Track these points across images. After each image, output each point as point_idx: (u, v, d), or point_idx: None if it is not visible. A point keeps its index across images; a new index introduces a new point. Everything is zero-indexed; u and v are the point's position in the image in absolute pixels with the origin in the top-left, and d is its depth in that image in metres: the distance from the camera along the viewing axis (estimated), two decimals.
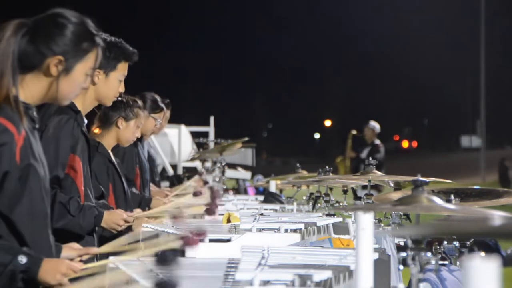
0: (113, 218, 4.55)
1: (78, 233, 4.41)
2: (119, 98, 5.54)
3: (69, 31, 3.04)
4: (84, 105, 4.54)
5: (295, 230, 4.53)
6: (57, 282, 2.97)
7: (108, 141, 5.52)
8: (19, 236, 2.96)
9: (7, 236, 2.95)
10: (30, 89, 3.02)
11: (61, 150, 4.30)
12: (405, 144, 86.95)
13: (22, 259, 2.90)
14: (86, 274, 3.09)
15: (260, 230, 4.47)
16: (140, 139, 6.75)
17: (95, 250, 3.27)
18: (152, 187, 7.07)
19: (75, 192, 4.40)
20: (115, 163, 5.46)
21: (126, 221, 4.62)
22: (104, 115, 5.52)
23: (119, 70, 4.62)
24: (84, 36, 3.07)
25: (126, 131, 5.53)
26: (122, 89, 4.67)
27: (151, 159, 8.08)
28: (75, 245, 3.38)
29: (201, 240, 3.04)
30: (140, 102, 5.69)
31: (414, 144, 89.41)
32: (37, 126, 3.07)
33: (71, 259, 3.23)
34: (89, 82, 3.16)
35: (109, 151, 5.50)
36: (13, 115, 2.93)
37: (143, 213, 4.96)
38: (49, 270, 2.95)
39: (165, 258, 2.45)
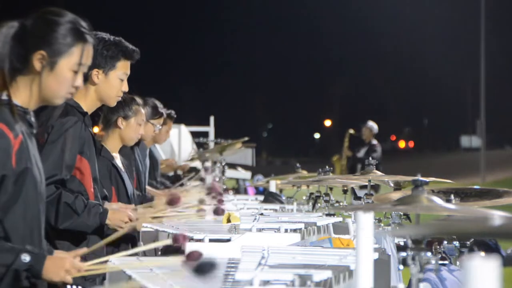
0: (117, 216, 4.50)
1: (84, 232, 4.40)
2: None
3: (53, 26, 3.00)
4: (86, 105, 4.50)
5: (295, 230, 4.53)
6: (60, 280, 2.94)
7: (113, 143, 5.47)
8: (9, 241, 2.93)
9: (3, 238, 2.93)
10: (23, 92, 2.98)
11: (67, 152, 4.27)
12: (401, 144, 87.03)
13: (26, 258, 2.87)
14: (89, 274, 3.06)
15: (260, 230, 4.47)
16: (137, 144, 6.73)
17: (83, 250, 3.24)
18: (150, 190, 7.04)
19: (84, 194, 4.39)
20: (118, 167, 5.42)
21: (130, 219, 4.57)
22: (104, 117, 5.48)
23: (119, 69, 4.56)
24: (68, 30, 3.02)
25: (127, 130, 5.48)
26: (125, 88, 4.60)
27: (154, 159, 8.09)
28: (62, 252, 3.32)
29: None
30: (138, 100, 5.64)
31: (411, 144, 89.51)
32: (34, 131, 3.04)
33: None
34: (81, 81, 3.09)
35: (113, 154, 5.46)
36: (9, 119, 2.91)
37: (146, 211, 4.86)
38: (52, 267, 2.92)
39: (203, 268, 2.44)
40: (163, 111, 7.07)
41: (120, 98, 4.66)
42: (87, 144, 4.40)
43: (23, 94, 2.98)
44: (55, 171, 4.22)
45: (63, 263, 2.95)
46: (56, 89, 3.00)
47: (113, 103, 4.65)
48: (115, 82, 4.55)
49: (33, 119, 3.03)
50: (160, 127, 7.05)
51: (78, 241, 4.43)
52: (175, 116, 8.08)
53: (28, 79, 2.98)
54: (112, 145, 5.47)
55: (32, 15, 3.04)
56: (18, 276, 2.89)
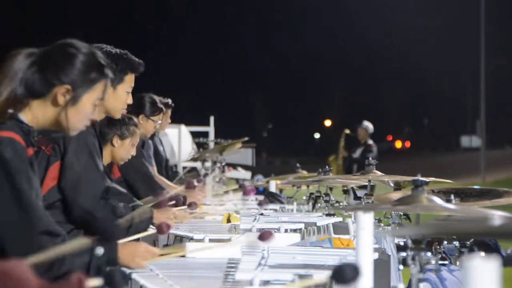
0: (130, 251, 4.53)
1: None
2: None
3: (78, 61, 3.04)
4: None
5: (295, 230, 4.53)
6: (136, 266, 3.05)
7: (103, 158, 5.45)
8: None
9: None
10: (36, 114, 3.03)
11: (98, 161, 4.35)
12: (398, 144, 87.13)
13: (100, 251, 2.95)
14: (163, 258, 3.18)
15: (260, 230, 4.47)
16: (142, 145, 6.73)
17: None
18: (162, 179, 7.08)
19: None
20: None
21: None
22: (100, 132, 5.43)
23: (127, 82, 4.58)
24: (93, 66, 3.06)
25: (121, 149, 5.41)
26: (130, 101, 4.63)
27: (160, 157, 8.09)
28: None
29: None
30: (135, 120, 5.61)
31: (407, 144, 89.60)
32: (35, 149, 3.07)
33: None
34: (97, 114, 3.17)
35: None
36: (20, 131, 2.96)
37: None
38: (127, 254, 3.04)
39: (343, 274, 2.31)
40: (162, 105, 7.04)
41: (124, 111, 4.69)
42: (98, 155, 4.44)
43: (32, 116, 3.02)
44: (100, 184, 4.30)
45: (137, 250, 3.07)
46: (76, 122, 3.05)
47: (118, 116, 4.69)
48: (122, 95, 4.57)
49: (36, 138, 3.06)
50: (160, 122, 7.04)
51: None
52: (172, 104, 8.05)
53: (45, 106, 3.02)
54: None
55: (53, 46, 3.08)
56: (100, 270, 2.95)
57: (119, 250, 3.04)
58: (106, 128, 5.40)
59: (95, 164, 4.31)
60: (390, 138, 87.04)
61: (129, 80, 4.62)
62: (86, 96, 3.04)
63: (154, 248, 3.15)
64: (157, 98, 7.02)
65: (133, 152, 5.60)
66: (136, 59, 4.65)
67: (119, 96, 4.56)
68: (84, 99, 3.04)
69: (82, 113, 3.05)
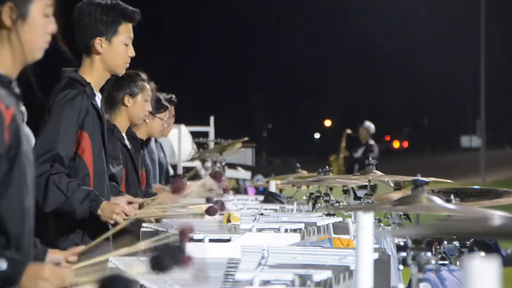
0: (110, 207, 4.21)
1: (71, 217, 4.16)
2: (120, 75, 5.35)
3: None
4: (93, 78, 4.30)
5: (295, 230, 4.52)
6: None
7: (120, 122, 5.29)
8: (4, 227, 2.62)
9: None
10: (3, 57, 2.68)
11: (65, 125, 4.11)
12: (396, 144, 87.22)
13: (2, 265, 2.54)
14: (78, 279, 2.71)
15: (260, 230, 4.47)
16: (146, 143, 6.68)
17: (80, 249, 3.02)
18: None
19: (84, 170, 4.21)
20: (129, 147, 5.28)
21: (125, 213, 4.25)
22: (108, 96, 5.22)
23: (122, 33, 4.35)
24: None
25: (134, 107, 5.29)
26: (131, 53, 4.38)
27: (160, 164, 8.03)
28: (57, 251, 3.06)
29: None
30: (143, 75, 5.41)
31: (405, 144, 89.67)
32: (21, 104, 2.75)
33: (57, 264, 2.96)
34: (54, 25, 2.74)
35: (124, 134, 5.31)
36: None
37: (141, 211, 4.64)
38: (31, 278, 2.60)
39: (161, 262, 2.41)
40: (166, 103, 6.94)
41: (128, 65, 4.44)
42: (90, 117, 4.21)
43: (3, 60, 2.69)
44: (49, 146, 4.05)
45: (41, 273, 2.63)
46: (34, 40, 2.71)
47: (121, 71, 4.41)
48: (120, 48, 4.34)
49: (17, 89, 2.73)
50: (167, 119, 6.94)
51: (73, 230, 4.28)
52: (175, 100, 7.96)
53: (3, 43, 2.68)
54: (120, 125, 5.29)
55: None
56: None
57: (24, 271, 2.58)
58: (114, 90, 5.22)
59: (56, 127, 4.07)
60: (388, 138, 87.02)
61: (125, 31, 4.37)
62: (33, 7, 2.69)
63: (63, 270, 2.74)
64: (161, 96, 6.96)
65: (149, 107, 5.43)
66: (129, 7, 4.40)
67: (116, 50, 4.33)
68: (32, 12, 2.68)
69: (36, 28, 2.69)
